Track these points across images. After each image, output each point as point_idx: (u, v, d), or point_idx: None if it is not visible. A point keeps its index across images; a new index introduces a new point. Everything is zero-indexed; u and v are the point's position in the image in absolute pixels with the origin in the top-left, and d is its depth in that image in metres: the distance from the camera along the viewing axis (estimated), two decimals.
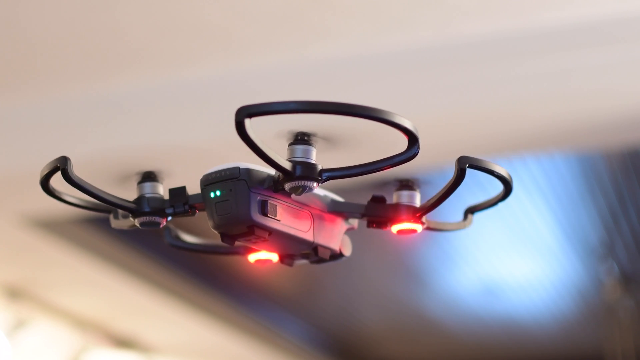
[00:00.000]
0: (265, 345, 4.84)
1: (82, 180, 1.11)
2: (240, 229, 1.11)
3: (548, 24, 2.22)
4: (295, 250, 1.18)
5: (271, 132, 1.06)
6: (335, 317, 4.98)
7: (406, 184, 1.20)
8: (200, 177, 1.13)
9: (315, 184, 1.08)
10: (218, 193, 1.11)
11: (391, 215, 1.19)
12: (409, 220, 1.19)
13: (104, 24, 2.25)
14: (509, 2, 2.18)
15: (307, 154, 1.09)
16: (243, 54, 2.37)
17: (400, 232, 1.20)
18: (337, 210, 1.19)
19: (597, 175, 3.24)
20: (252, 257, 1.23)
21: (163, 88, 2.45)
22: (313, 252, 1.17)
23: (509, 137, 2.52)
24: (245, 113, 1.00)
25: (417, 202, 1.22)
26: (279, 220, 1.12)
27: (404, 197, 1.21)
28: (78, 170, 1.12)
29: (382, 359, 5.71)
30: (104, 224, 3.23)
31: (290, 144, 1.10)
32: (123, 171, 1.21)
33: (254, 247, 1.18)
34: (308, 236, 1.15)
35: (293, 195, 1.12)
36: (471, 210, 1.32)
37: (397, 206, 1.20)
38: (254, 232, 1.11)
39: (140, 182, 1.20)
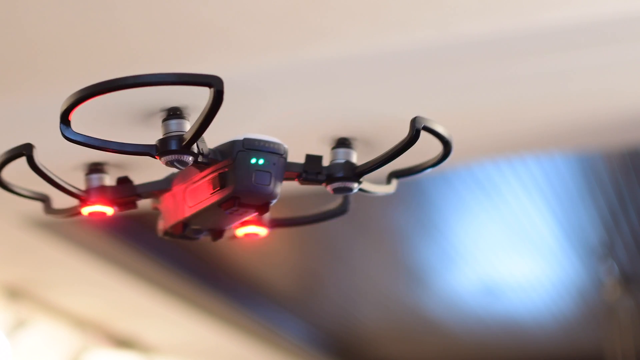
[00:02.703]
0: (265, 345, 4.83)
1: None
2: (259, 200, 1.13)
3: (548, 24, 2.22)
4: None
5: (314, 137, 1.10)
6: (335, 317, 4.98)
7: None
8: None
9: (355, 184, 1.16)
10: (261, 162, 1.12)
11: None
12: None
13: (103, 23, 2.25)
14: (508, 2, 2.18)
15: (348, 156, 1.16)
16: (242, 54, 2.37)
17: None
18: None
19: (597, 175, 3.24)
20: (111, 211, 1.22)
21: None
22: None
23: (509, 137, 2.52)
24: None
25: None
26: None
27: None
28: (70, 168, 1.14)
29: (382, 359, 5.71)
30: (103, 224, 3.23)
31: (333, 148, 1.17)
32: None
33: (234, 220, 1.20)
34: None
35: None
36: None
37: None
38: (267, 209, 1.15)
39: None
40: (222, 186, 1.12)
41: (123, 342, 4.40)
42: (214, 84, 1.01)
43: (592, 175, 3.24)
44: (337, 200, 1.34)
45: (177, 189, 1.19)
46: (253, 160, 1.12)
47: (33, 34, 2.30)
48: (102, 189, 1.19)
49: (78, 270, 3.51)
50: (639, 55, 2.27)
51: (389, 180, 1.28)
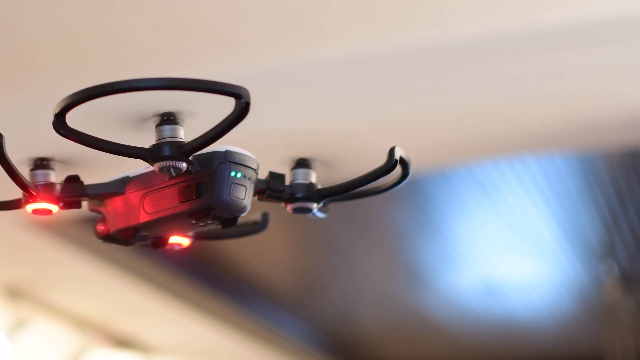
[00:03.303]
0: (265, 345, 4.83)
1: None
2: (232, 214, 1.13)
3: (548, 24, 2.22)
4: None
5: (275, 158, 1.09)
6: (335, 317, 4.98)
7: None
8: None
9: (314, 204, 1.14)
10: (239, 175, 1.12)
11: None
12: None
13: (101, 24, 2.25)
14: (508, 2, 2.18)
15: (307, 176, 1.15)
16: (241, 54, 2.37)
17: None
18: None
19: (597, 175, 3.24)
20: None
21: None
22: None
23: (509, 137, 2.52)
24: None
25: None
26: None
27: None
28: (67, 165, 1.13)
29: (382, 359, 5.71)
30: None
31: (292, 169, 1.16)
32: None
33: (193, 230, 1.19)
34: None
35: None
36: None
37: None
38: (235, 222, 1.14)
39: None
40: (198, 196, 1.11)
41: (123, 342, 4.40)
42: (243, 95, 1.01)
43: (592, 175, 3.24)
44: (256, 216, 1.33)
45: (132, 193, 1.16)
46: (232, 173, 1.11)
47: (31, 35, 2.30)
48: (51, 185, 1.17)
49: (78, 270, 3.51)
50: (638, 55, 2.27)
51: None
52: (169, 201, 1.13)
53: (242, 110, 1.02)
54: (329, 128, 2.48)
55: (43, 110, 2.38)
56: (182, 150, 1.08)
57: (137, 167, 1.18)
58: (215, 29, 2.26)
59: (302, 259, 4.13)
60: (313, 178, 1.19)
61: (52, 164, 1.17)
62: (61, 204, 1.18)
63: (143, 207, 1.15)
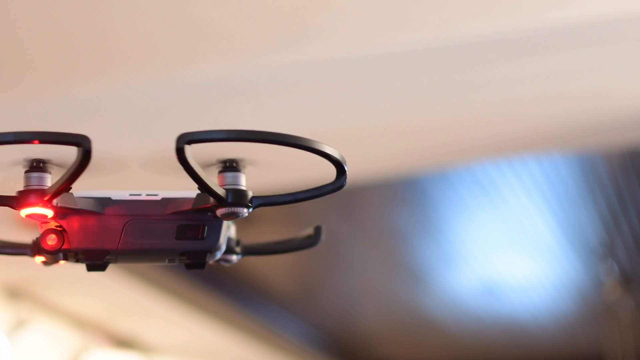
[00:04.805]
0: (265, 345, 4.84)
1: None
2: (213, 258, 1.14)
3: (547, 24, 2.22)
4: None
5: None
6: (335, 317, 4.98)
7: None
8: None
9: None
10: (230, 222, 1.14)
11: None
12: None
13: (100, 24, 2.25)
14: (508, 2, 2.18)
15: (236, 180, 1.09)
16: (241, 54, 2.37)
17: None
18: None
19: (597, 175, 3.24)
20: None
21: (159, 89, 2.45)
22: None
23: (509, 137, 2.52)
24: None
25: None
26: None
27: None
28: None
29: (382, 359, 5.71)
30: None
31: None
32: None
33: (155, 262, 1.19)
34: None
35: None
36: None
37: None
38: (204, 266, 1.15)
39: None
40: (202, 238, 1.11)
41: (123, 342, 4.40)
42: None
43: (592, 175, 3.24)
44: (310, 230, 1.34)
45: (113, 216, 1.12)
46: (229, 223, 1.14)
47: (30, 35, 2.30)
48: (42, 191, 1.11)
49: (78, 270, 3.49)
50: (638, 55, 2.27)
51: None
52: (161, 235, 1.11)
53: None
54: (328, 128, 2.48)
55: (42, 110, 2.38)
56: (246, 197, 1.08)
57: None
58: (214, 29, 2.26)
59: (302, 259, 4.13)
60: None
61: (48, 166, 1.16)
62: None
63: (125, 233, 1.11)
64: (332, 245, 3.86)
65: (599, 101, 2.37)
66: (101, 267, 1.16)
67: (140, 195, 1.12)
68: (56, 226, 1.12)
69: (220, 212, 1.07)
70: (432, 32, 2.27)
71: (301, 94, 2.44)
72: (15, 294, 3.69)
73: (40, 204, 1.08)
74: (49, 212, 1.09)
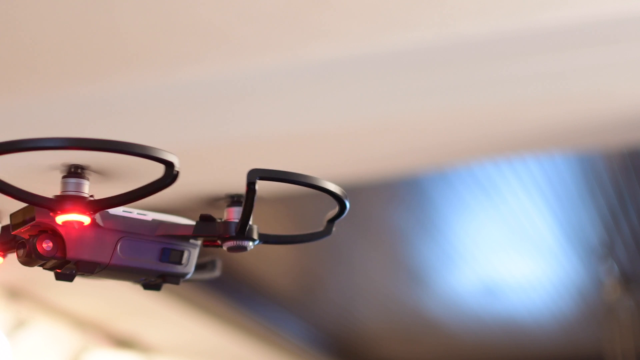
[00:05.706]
0: (265, 345, 4.84)
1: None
2: (178, 281, 1.19)
3: (547, 24, 2.22)
4: None
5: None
6: (335, 317, 4.98)
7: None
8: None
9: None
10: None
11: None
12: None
13: (101, 24, 2.25)
14: (508, 2, 2.18)
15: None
16: (240, 54, 2.37)
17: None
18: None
19: (597, 175, 3.24)
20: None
21: (160, 88, 2.45)
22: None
23: (508, 137, 2.52)
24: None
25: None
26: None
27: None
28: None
29: (382, 359, 5.71)
30: None
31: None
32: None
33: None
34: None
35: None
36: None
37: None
38: (159, 288, 1.23)
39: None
40: (182, 264, 1.15)
41: (123, 342, 4.40)
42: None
43: (592, 175, 3.24)
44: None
45: (108, 230, 1.11)
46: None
47: (31, 35, 2.30)
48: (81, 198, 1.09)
49: None
50: (638, 55, 2.27)
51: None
52: (146, 255, 1.12)
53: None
54: (328, 127, 2.48)
55: (44, 110, 2.39)
56: (256, 233, 1.12)
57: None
58: (215, 29, 2.26)
59: (302, 259, 4.13)
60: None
61: (86, 173, 1.15)
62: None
63: (118, 249, 1.11)
64: (332, 245, 3.86)
65: (599, 101, 2.37)
66: (70, 278, 1.15)
67: (132, 213, 1.12)
68: (51, 231, 1.10)
69: (228, 244, 1.11)
70: (433, 32, 2.27)
71: (302, 94, 2.44)
72: (15, 294, 3.69)
73: (78, 211, 1.05)
74: (86, 219, 1.07)
